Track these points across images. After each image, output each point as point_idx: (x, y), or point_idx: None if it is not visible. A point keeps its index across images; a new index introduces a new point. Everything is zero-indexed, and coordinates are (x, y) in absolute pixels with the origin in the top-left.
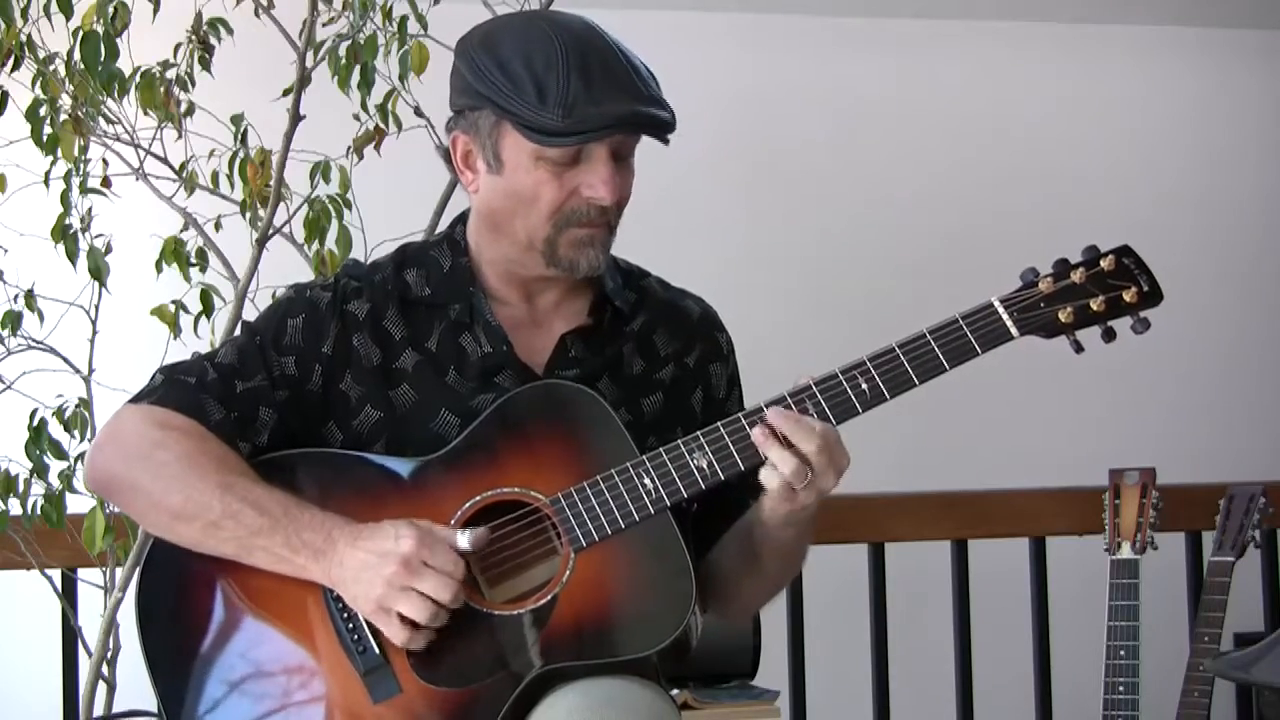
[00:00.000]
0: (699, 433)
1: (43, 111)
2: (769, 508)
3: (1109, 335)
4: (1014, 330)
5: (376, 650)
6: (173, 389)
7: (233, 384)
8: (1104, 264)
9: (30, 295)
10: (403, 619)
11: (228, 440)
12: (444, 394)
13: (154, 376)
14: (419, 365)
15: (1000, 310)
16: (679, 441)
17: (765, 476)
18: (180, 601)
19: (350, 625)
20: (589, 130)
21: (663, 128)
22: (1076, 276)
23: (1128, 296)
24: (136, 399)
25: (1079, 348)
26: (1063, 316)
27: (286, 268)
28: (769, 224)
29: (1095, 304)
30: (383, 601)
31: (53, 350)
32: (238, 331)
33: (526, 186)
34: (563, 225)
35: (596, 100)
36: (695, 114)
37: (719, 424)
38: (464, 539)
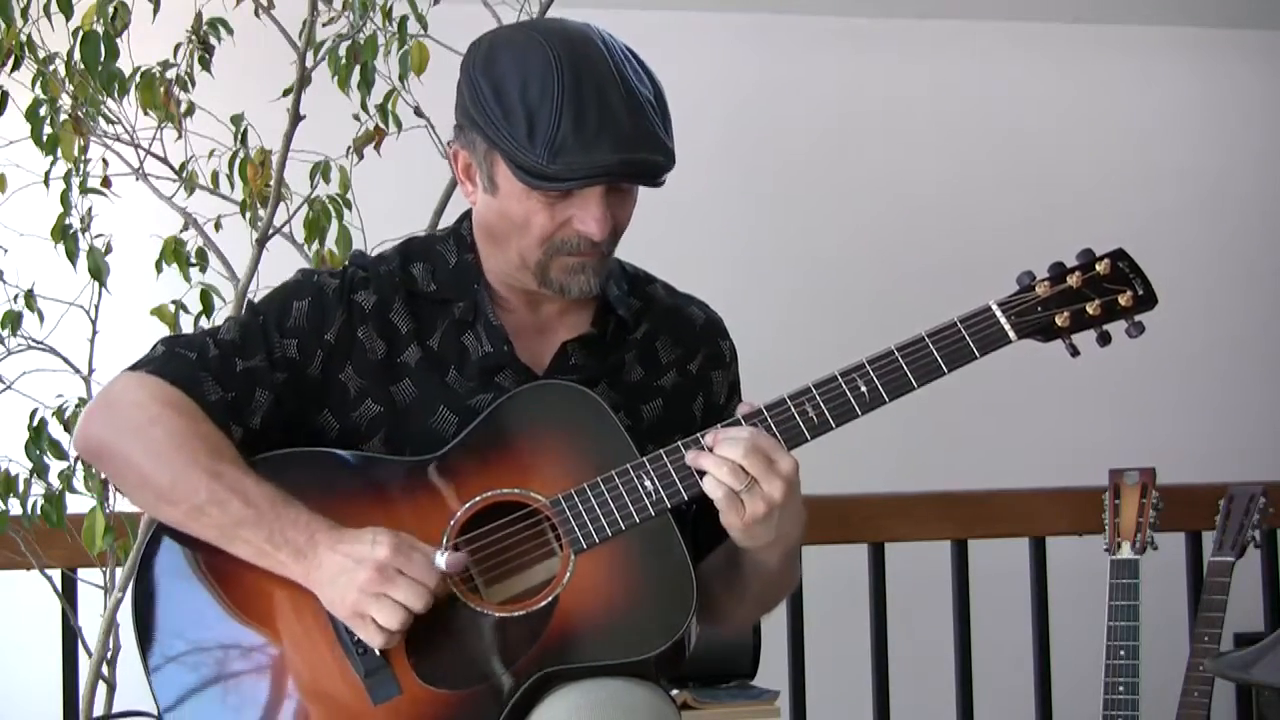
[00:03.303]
0: (698, 435)
1: (43, 111)
2: (726, 523)
3: (1104, 339)
4: (1011, 334)
5: (377, 652)
6: (172, 361)
7: (233, 362)
8: (1099, 268)
9: (30, 295)
10: (376, 624)
11: (221, 422)
12: (443, 392)
13: (155, 346)
14: (421, 361)
15: (998, 314)
16: (679, 443)
17: (708, 488)
18: (178, 605)
19: (350, 628)
20: (574, 179)
21: (654, 174)
22: (1073, 280)
23: (1123, 300)
24: (135, 367)
25: (1075, 351)
26: (1059, 320)
27: (286, 268)
28: (771, 226)
29: (1091, 308)
30: (356, 606)
31: (53, 350)
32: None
33: (518, 214)
34: (553, 253)
35: (585, 145)
36: (698, 115)
37: (718, 427)
38: (441, 560)
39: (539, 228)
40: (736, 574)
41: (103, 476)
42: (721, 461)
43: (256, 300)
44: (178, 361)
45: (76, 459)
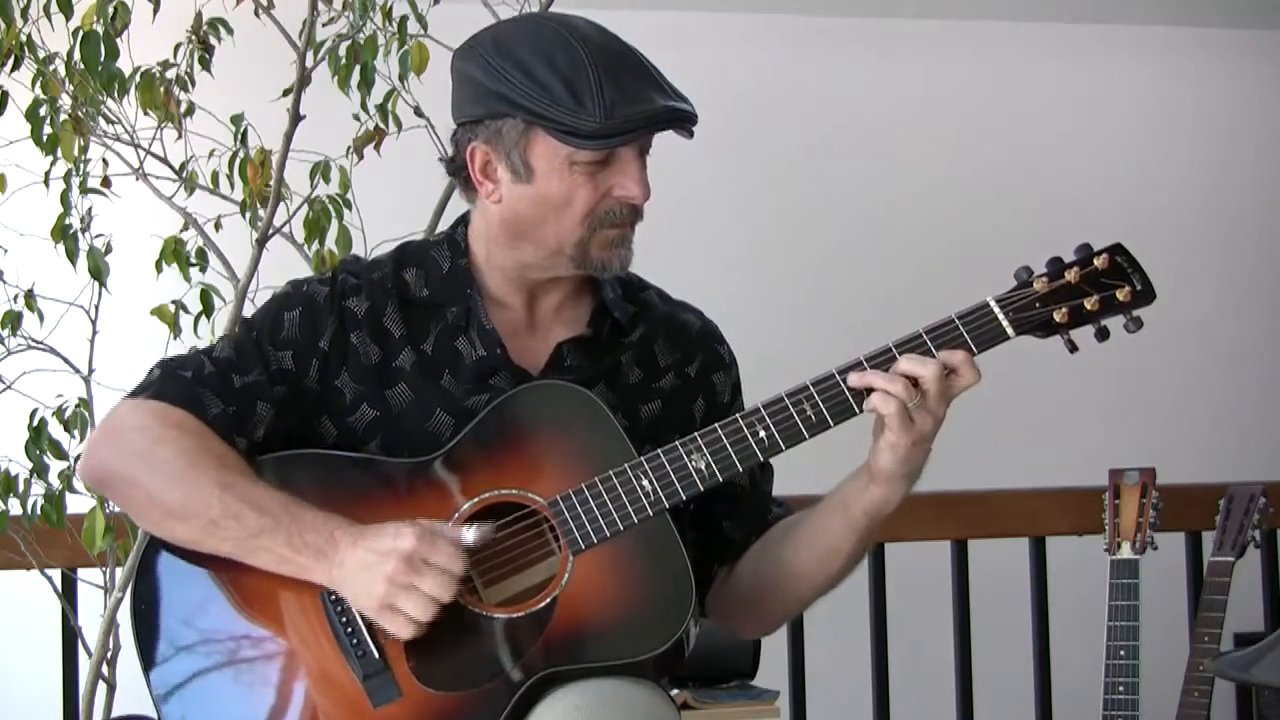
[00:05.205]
0: (696, 434)
1: (43, 111)
2: (888, 443)
3: (1102, 335)
4: (1010, 330)
5: (376, 655)
6: (170, 383)
7: (230, 378)
8: (1098, 263)
9: (30, 295)
10: (406, 616)
11: (225, 435)
12: (439, 395)
13: (151, 371)
14: (415, 365)
15: (996, 310)
16: (677, 443)
17: (879, 402)
18: (176, 608)
19: (349, 630)
20: (629, 130)
21: (692, 120)
22: (1071, 276)
23: (1121, 295)
24: (134, 394)
25: (1073, 347)
26: (1058, 316)
27: (286, 268)
28: (769, 227)
29: (1089, 303)
30: (384, 599)
31: (53, 350)
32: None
33: (560, 192)
34: (595, 227)
35: (631, 99)
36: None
37: (716, 425)
38: (469, 534)
39: (583, 201)
40: (820, 554)
41: (112, 508)
42: (895, 378)
43: (249, 313)
44: (175, 382)
45: (77, 458)
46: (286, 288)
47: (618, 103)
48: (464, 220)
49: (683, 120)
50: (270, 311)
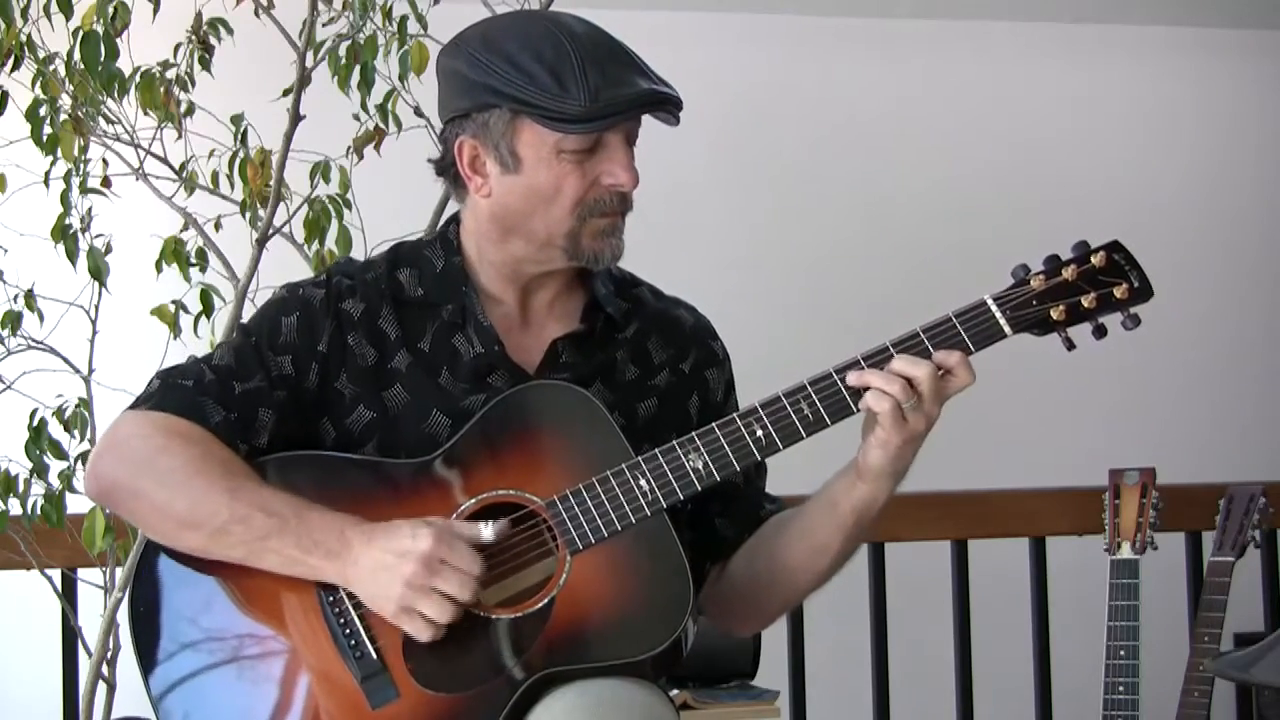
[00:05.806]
0: (694, 434)
1: (43, 111)
2: (879, 440)
3: (1100, 332)
4: (1007, 328)
5: (373, 655)
6: (171, 393)
7: (231, 385)
8: (1095, 260)
9: (30, 295)
10: (425, 619)
11: (228, 442)
12: (436, 394)
13: (151, 382)
14: (412, 365)
15: (993, 308)
16: (674, 443)
17: (873, 401)
18: (174, 610)
19: (347, 631)
20: (616, 113)
21: (678, 104)
22: (1068, 274)
23: (1118, 293)
24: (135, 405)
25: (1070, 345)
26: (1055, 314)
27: (286, 268)
28: (766, 226)
29: (1087, 301)
30: (403, 601)
31: (53, 350)
32: (232, 334)
33: (548, 181)
34: (585, 216)
35: (614, 83)
36: (692, 116)
37: (714, 425)
38: (487, 531)
39: (571, 190)
40: (816, 549)
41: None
42: (893, 378)
43: (248, 315)
44: (176, 392)
45: (77, 459)
46: (281, 292)
47: (602, 87)
48: (455, 219)
49: (667, 104)
50: (267, 317)
